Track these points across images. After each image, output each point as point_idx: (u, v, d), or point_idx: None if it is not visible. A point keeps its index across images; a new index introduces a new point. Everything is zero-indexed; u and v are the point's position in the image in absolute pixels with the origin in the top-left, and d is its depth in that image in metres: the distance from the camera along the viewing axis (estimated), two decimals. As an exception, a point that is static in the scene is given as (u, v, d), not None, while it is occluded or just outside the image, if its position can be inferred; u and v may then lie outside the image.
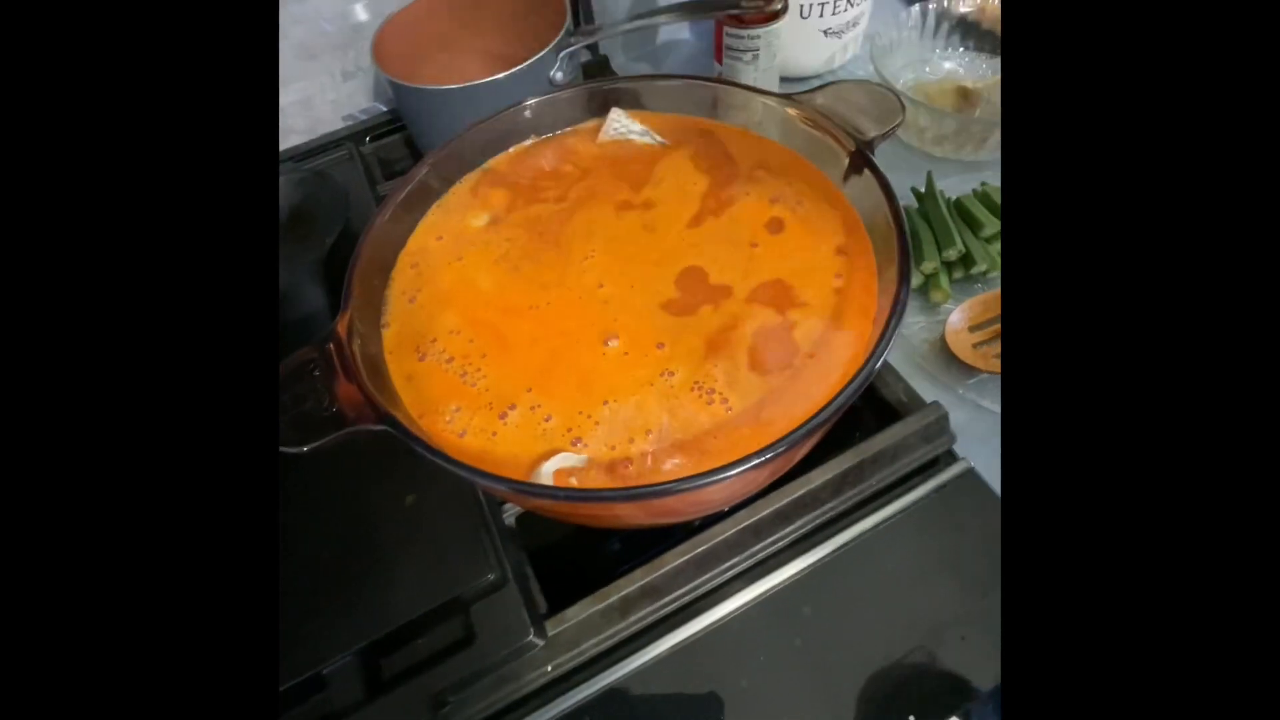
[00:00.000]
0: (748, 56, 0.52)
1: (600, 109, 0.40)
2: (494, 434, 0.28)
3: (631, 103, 0.40)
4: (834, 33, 0.57)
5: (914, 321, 0.43)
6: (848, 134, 0.32)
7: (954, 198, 0.46)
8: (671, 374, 0.28)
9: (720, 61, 0.54)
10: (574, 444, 0.27)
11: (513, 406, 0.28)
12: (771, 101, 0.36)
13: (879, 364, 0.24)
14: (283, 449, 0.24)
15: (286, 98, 0.59)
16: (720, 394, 0.28)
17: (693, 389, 0.28)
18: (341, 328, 0.27)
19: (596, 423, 0.27)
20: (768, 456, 0.23)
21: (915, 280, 0.44)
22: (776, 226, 0.33)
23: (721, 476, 0.23)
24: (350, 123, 0.62)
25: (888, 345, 0.25)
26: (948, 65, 0.57)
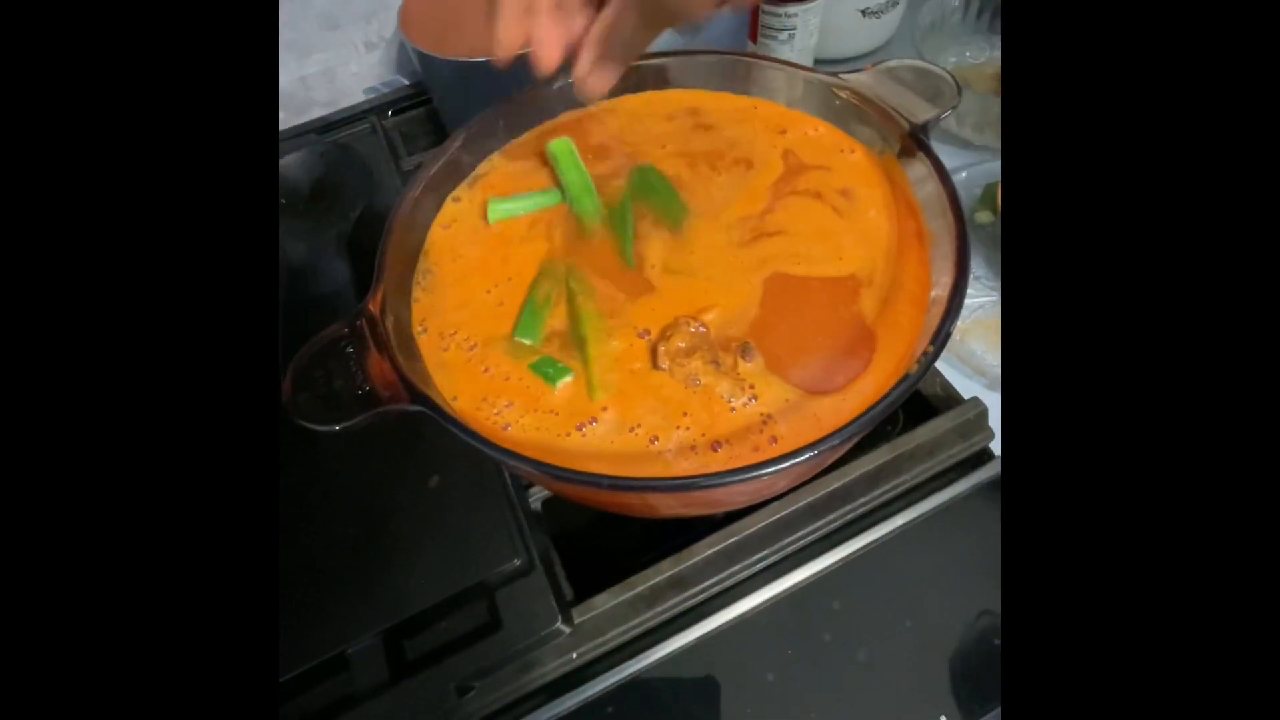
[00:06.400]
0: (784, 35, 0.51)
1: (635, 85, 0.38)
2: (566, 434, 0.27)
3: (661, 80, 0.38)
4: (873, 13, 0.55)
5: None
6: (901, 116, 0.30)
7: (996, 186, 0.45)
8: (717, 363, 0.27)
9: (755, 40, 0.52)
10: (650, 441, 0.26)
11: (593, 420, 0.27)
12: (814, 79, 0.35)
13: (935, 359, 0.23)
14: (315, 427, 0.24)
15: (308, 68, 0.58)
16: (758, 388, 0.27)
17: (738, 379, 0.27)
18: (374, 305, 0.26)
19: (681, 425, 0.26)
20: (813, 453, 0.22)
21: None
22: (813, 208, 0.32)
23: (756, 474, 0.22)
24: (372, 96, 0.60)
25: (948, 336, 0.24)
26: (990, 50, 0.55)
